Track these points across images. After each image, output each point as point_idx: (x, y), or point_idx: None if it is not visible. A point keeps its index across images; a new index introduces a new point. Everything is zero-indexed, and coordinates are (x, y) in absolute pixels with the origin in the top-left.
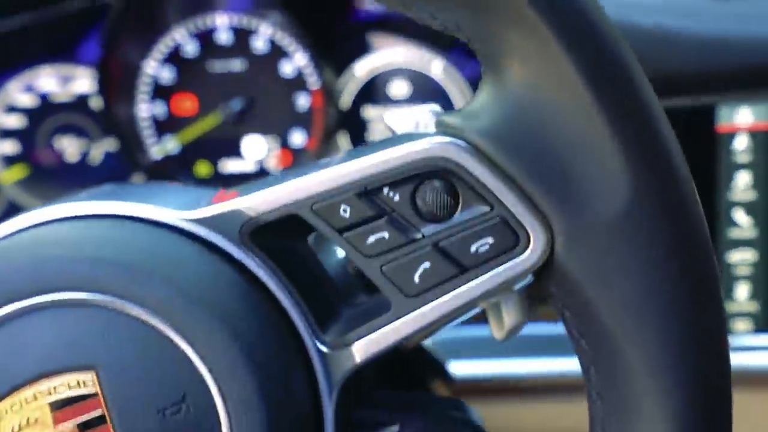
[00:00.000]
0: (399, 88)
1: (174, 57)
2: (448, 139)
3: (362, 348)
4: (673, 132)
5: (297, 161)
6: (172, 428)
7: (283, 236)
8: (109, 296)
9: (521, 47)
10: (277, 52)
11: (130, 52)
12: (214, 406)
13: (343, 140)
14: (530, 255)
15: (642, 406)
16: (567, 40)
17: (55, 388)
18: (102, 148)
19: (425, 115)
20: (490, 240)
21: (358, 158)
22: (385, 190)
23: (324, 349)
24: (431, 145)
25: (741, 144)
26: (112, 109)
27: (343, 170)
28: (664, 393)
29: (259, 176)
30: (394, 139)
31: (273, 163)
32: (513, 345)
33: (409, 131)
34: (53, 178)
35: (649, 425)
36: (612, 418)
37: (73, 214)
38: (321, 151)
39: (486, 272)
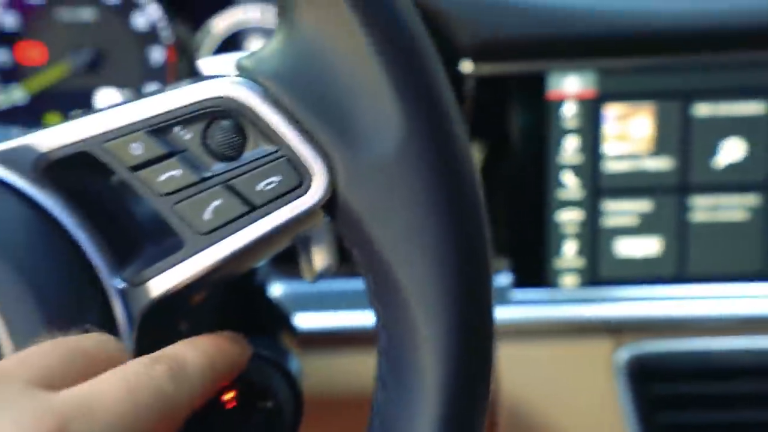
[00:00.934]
0: (257, 45)
1: (18, 2)
2: (238, 79)
3: (158, 284)
4: (446, 79)
5: None
6: None
7: (82, 175)
8: None
9: None
10: (128, 4)
11: None
12: None
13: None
14: (313, 193)
15: (416, 337)
16: None
17: None
18: None
19: (232, 60)
20: (276, 178)
21: (150, 97)
22: (177, 128)
23: (120, 285)
24: (221, 84)
25: (569, 110)
26: None
27: (135, 108)
28: (433, 324)
29: None
30: (192, 80)
31: None
32: (358, 298)
33: (210, 74)
34: None
35: (422, 354)
36: (393, 349)
37: None
38: None
39: (273, 210)
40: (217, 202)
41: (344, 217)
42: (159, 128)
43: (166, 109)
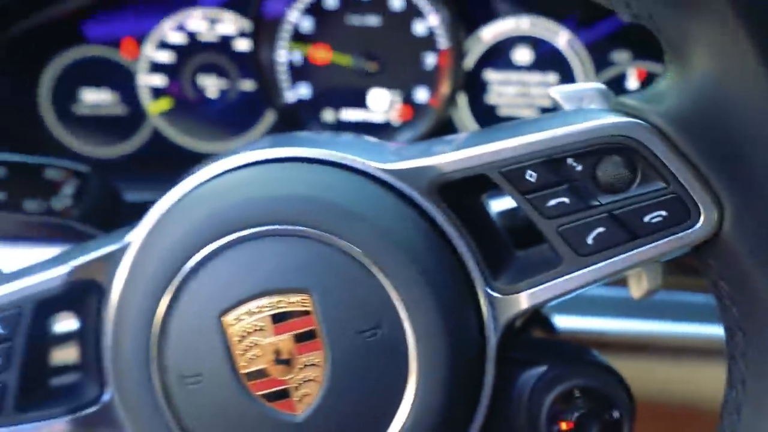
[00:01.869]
0: (522, 54)
1: (315, 8)
2: (632, 119)
3: (530, 296)
4: None
5: (417, 116)
6: (369, 348)
7: (464, 192)
8: (323, 231)
9: (709, 38)
10: (411, 11)
11: (276, 2)
12: (404, 332)
13: (463, 100)
14: (699, 229)
15: None
16: (757, 36)
17: (275, 304)
18: (240, 87)
19: (592, 93)
20: (663, 213)
21: (546, 130)
22: (569, 160)
23: (495, 294)
24: (616, 123)
25: None
26: (257, 52)
27: (533, 139)
28: None
29: (381, 128)
30: (577, 114)
31: (394, 116)
32: (605, 305)
33: (584, 107)
34: (193, 112)
35: None
36: (753, 379)
37: (285, 156)
38: (442, 110)
39: (655, 242)
40: (600, 229)
41: (722, 254)
42: (553, 159)
43: (563, 143)
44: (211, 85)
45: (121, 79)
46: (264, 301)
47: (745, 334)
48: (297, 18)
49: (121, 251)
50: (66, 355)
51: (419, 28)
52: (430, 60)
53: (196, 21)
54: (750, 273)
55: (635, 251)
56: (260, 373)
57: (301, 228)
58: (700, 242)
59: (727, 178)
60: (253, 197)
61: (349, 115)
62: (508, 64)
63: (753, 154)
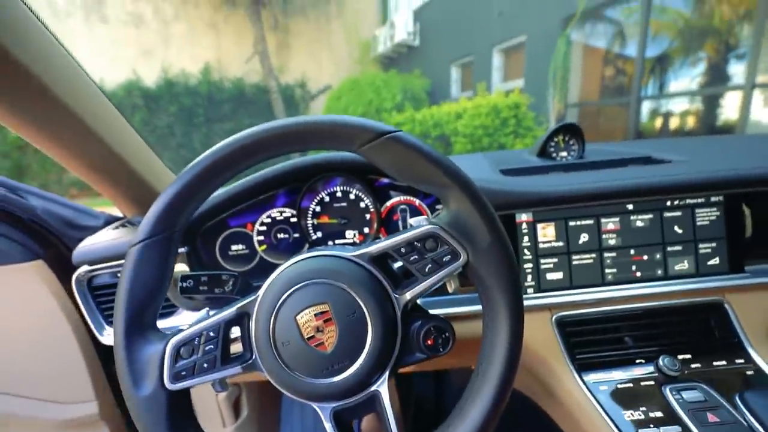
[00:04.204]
0: (403, 210)
1: (320, 202)
2: (435, 226)
3: (410, 294)
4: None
5: (366, 239)
6: (351, 321)
7: (381, 259)
8: (333, 280)
9: (455, 197)
10: (357, 199)
11: (306, 203)
12: (364, 315)
13: (383, 230)
14: (461, 261)
15: (497, 316)
16: (469, 197)
17: (315, 309)
18: (293, 236)
19: (423, 219)
20: (449, 256)
21: (408, 233)
22: (416, 242)
23: (397, 296)
24: (430, 227)
25: (524, 227)
26: (299, 222)
27: (403, 237)
28: (505, 309)
29: (352, 245)
30: (418, 227)
31: (357, 240)
32: (453, 301)
33: (422, 224)
34: (275, 249)
35: (500, 319)
36: (489, 333)
37: (316, 255)
38: (375, 235)
39: (448, 267)
40: (429, 265)
41: (473, 272)
42: (409, 243)
43: (413, 238)
44: (282, 237)
45: (246, 239)
46: (311, 308)
47: (486, 315)
48: (313, 207)
49: (255, 300)
50: (237, 345)
51: (361, 204)
52: (367, 216)
53: (274, 213)
54: (483, 278)
55: (443, 271)
56: (312, 337)
57: (324, 280)
58: (462, 266)
59: (466, 241)
60: (305, 270)
61: (339, 241)
62: (398, 212)
63: (475, 232)
